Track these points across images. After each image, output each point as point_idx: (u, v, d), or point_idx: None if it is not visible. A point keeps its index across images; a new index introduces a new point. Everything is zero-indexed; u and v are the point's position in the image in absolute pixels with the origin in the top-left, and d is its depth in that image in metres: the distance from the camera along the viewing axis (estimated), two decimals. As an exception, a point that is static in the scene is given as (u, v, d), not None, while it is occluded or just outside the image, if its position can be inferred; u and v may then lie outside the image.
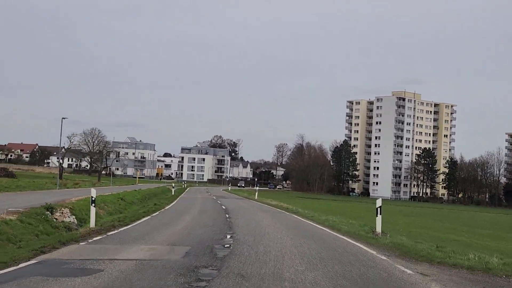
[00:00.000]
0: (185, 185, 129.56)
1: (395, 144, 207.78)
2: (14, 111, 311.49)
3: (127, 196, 53.63)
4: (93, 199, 23.89)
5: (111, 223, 26.04)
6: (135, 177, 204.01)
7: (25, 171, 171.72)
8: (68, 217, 29.07)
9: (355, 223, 32.60)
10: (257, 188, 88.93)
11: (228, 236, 21.05)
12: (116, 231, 21.67)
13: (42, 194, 46.78)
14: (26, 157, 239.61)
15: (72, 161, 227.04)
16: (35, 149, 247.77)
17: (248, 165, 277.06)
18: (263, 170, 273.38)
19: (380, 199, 25.53)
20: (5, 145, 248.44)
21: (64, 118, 60.40)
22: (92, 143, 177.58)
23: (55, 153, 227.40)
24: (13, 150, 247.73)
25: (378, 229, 24.45)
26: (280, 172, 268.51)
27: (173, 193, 69.77)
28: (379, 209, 24.64)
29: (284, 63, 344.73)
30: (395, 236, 23.62)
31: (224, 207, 45.13)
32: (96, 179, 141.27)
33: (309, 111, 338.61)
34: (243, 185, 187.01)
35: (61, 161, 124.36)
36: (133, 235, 20.28)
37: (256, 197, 73.36)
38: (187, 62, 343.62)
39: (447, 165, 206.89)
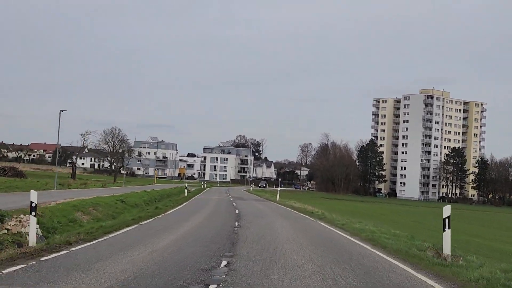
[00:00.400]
0: (205, 185, 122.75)
1: (423, 143, 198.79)
2: (39, 112, 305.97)
3: (131, 197, 46.83)
4: (33, 205, 16.24)
5: (74, 237, 18.70)
6: (157, 177, 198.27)
7: (43, 171, 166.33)
8: (26, 227, 21.91)
9: (401, 235, 25.01)
10: (279, 188, 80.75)
11: (224, 263, 13.68)
12: (58, 254, 14.35)
13: (27, 195, 40.14)
14: (49, 157, 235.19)
15: (94, 161, 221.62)
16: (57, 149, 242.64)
17: (272, 165, 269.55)
18: (287, 170, 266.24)
19: (449, 206, 16.94)
20: (28, 145, 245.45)
21: (62, 111, 53.01)
22: (112, 143, 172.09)
23: (77, 153, 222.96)
24: (35, 150, 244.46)
25: (447, 250, 16.39)
26: (304, 172, 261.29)
27: (186, 194, 62.53)
28: (447, 220, 16.59)
29: (307, 63, 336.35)
30: (470, 259, 16.04)
31: (237, 211, 38.11)
32: (119, 179, 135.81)
33: (334, 111, 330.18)
34: (264, 185, 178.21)
35: (74, 160, 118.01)
36: (76, 263, 12.91)
37: (277, 199, 66.10)
38: (212, 63, 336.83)
39: (477, 164, 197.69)
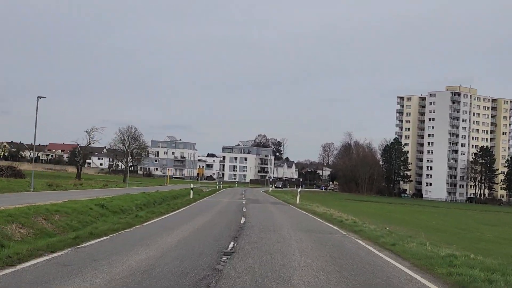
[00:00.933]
0: (221, 186, 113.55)
1: (450, 142, 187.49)
2: (59, 113, 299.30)
3: (119, 201, 37.41)
4: None
5: None
6: (174, 178, 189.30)
7: (55, 171, 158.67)
8: None
9: (486, 262, 15.32)
10: (299, 190, 70.34)
11: None
12: None
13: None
14: (67, 157, 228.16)
15: (111, 161, 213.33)
16: (76, 149, 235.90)
17: (293, 165, 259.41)
18: (309, 170, 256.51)
19: None
20: (46, 145, 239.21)
21: (40, 97, 44.16)
22: (128, 142, 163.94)
23: (96, 153, 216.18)
24: (53, 150, 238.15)
25: None
26: (326, 172, 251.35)
27: (191, 197, 53.00)
28: None
29: (330, 64, 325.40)
30: None
31: (242, 221, 28.41)
32: (131, 179, 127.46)
33: (357, 111, 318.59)
34: (281, 185, 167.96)
35: (78, 159, 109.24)
36: None
37: (297, 201, 56.16)
38: (233, 65, 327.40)
39: (507, 164, 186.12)
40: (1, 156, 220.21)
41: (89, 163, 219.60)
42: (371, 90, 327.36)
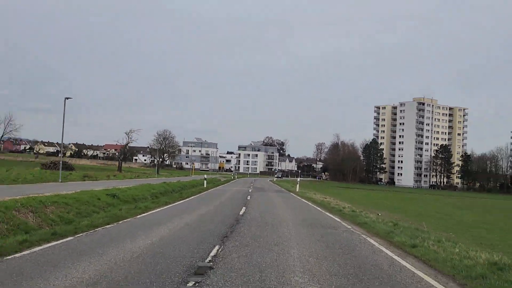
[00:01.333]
0: (236, 176, 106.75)
1: (416, 142, 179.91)
2: (113, 119, 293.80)
3: (134, 191, 30.55)
4: None
5: None
6: (201, 170, 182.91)
7: (105, 166, 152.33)
8: None
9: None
10: (299, 179, 62.53)
11: None
12: None
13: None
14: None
15: (151, 157, 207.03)
16: (125, 149, 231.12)
17: (294, 160, 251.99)
18: (305, 164, 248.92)
19: None
20: (103, 145, 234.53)
21: (67, 98, 37.28)
22: (164, 142, 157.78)
23: (141, 152, 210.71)
24: (108, 150, 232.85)
25: None
26: (319, 165, 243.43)
27: (205, 186, 45.90)
28: None
29: (323, 81, 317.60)
30: None
31: (242, 212, 21.39)
32: (164, 171, 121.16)
33: (344, 116, 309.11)
34: (280, 175, 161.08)
35: (119, 154, 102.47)
36: None
37: (297, 190, 48.66)
38: (253, 88, 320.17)
39: (462, 158, 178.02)
40: (68, 155, 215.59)
41: (136, 159, 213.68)
42: (354, 101, 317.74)
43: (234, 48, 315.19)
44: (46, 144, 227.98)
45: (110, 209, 21.80)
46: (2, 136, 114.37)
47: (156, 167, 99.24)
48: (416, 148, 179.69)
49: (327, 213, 22.78)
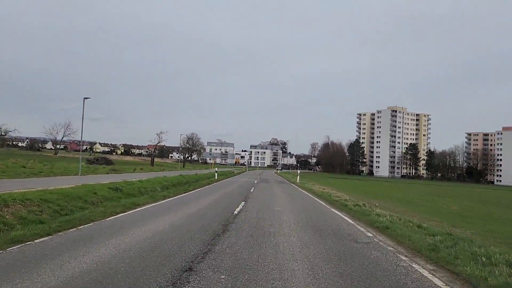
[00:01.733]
0: (247, 169, 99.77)
1: (390, 141, 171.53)
2: (154, 125, 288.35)
3: (148, 182, 23.52)
4: None
5: None
6: (221, 164, 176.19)
7: (145, 161, 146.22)
8: None
9: None
10: (299, 171, 54.61)
11: None
12: None
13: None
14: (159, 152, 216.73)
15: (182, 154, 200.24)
16: (155, 147, 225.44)
17: (294, 156, 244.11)
18: (303, 159, 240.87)
19: None
20: (146, 145, 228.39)
21: (86, 98, 30.59)
22: (192, 143, 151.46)
23: (175, 150, 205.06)
24: (149, 148, 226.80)
25: None
26: (313, 160, 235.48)
27: (216, 177, 38.64)
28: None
29: (316, 95, 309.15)
30: None
31: (238, 210, 13.82)
32: (190, 165, 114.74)
33: (332, 122, 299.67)
34: (280, 168, 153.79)
35: (152, 151, 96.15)
36: None
37: (297, 181, 40.97)
38: (262, 100, 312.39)
39: (427, 154, 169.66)
40: (119, 153, 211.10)
41: (171, 156, 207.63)
42: (340, 110, 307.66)
43: (245, 68, 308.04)
44: (102, 144, 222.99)
45: (106, 203, 15.11)
46: (63, 137, 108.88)
47: (183, 162, 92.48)
48: (390, 146, 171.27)
49: (333, 210, 15.72)
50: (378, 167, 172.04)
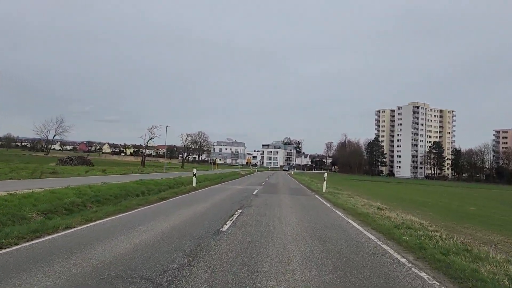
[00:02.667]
0: (256, 170, 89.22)
1: (412, 139, 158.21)
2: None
3: (121, 189, 13.52)
4: None
5: None
6: (231, 165, 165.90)
7: (149, 161, 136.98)
8: None
9: None
10: (326, 174, 31.56)
11: None
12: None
13: None
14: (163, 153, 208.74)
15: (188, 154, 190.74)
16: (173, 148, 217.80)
17: (308, 156, 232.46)
18: (317, 159, 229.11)
19: None
20: (156, 146, 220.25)
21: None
22: (199, 142, 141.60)
23: (181, 151, 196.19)
24: (159, 149, 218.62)
25: None
26: (329, 160, 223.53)
27: (194, 185, 26.57)
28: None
29: (332, 93, 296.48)
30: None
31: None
32: (194, 166, 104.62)
33: (348, 121, 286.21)
34: (287, 168, 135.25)
35: (143, 151, 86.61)
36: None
37: (324, 189, 26.19)
38: (278, 99, 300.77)
39: (452, 153, 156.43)
40: (128, 153, 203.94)
41: (180, 156, 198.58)
42: (357, 108, 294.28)
43: (258, 68, 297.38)
44: (111, 145, 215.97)
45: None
46: (54, 136, 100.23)
47: (181, 163, 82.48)
48: (412, 145, 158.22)
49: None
50: (399, 167, 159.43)
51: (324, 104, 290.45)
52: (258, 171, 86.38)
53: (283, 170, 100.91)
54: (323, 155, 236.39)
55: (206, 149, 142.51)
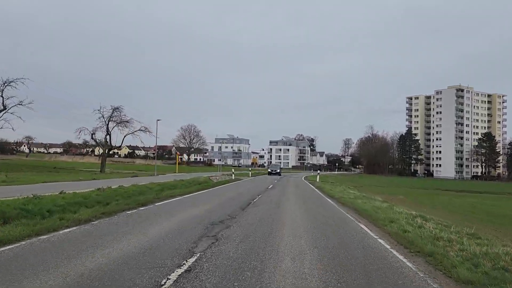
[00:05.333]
0: (251, 170, 60.89)
1: (456, 130, 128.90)
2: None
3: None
4: None
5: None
6: (232, 166, 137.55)
7: (127, 164, 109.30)
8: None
9: None
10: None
11: None
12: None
13: None
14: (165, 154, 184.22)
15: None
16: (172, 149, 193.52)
17: (324, 155, 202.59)
18: (335, 158, 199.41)
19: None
20: (153, 147, 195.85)
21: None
22: (189, 137, 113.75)
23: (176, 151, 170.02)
24: (155, 150, 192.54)
25: None
26: (347, 159, 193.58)
27: None
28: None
29: (347, 91, 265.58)
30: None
31: None
32: (185, 168, 76.92)
33: (373, 113, 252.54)
34: (275, 171, 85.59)
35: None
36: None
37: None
38: (283, 96, 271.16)
39: (509, 146, 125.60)
40: (122, 155, 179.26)
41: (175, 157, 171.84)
42: (380, 99, 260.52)
43: (265, 68, 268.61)
44: (129, 147, 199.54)
45: None
46: None
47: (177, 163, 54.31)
48: (456, 137, 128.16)
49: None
50: (439, 165, 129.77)
51: (340, 104, 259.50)
52: (257, 175, 57.56)
53: (270, 173, 59.36)
54: (336, 154, 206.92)
55: (197, 146, 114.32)
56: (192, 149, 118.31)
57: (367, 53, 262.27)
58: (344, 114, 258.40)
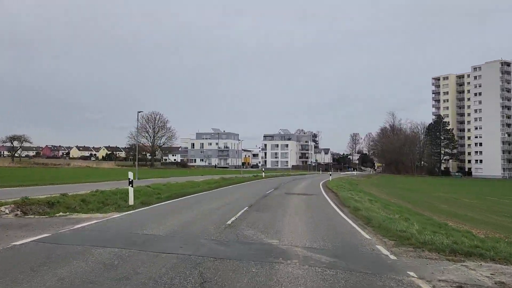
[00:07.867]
0: (241, 176, 33.88)
1: (502, 116, 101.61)
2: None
3: None
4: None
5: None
6: (219, 167, 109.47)
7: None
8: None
9: None
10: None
11: None
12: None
13: None
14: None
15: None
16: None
17: (329, 152, 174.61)
18: (341, 156, 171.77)
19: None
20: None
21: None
22: (152, 129, 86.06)
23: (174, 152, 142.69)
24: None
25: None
26: (355, 157, 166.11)
27: None
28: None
29: (355, 87, 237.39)
30: None
31: None
32: (147, 169, 49.53)
33: (379, 100, 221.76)
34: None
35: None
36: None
37: None
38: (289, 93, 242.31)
39: None
40: (100, 158, 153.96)
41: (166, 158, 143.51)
42: (397, 89, 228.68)
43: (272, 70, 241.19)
44: (81, 148, 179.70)
45: None
46: None
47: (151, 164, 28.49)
48: (502, 125, 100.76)
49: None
50: (480, 161, 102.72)
51: (351, 99, 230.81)
52: (249, 180, 33.38)
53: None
54: (338, 153, 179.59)
55: (164, 141, 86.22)
56: (157, 146, 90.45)
57: (373, 53, 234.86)
58: (352, 114, 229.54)
